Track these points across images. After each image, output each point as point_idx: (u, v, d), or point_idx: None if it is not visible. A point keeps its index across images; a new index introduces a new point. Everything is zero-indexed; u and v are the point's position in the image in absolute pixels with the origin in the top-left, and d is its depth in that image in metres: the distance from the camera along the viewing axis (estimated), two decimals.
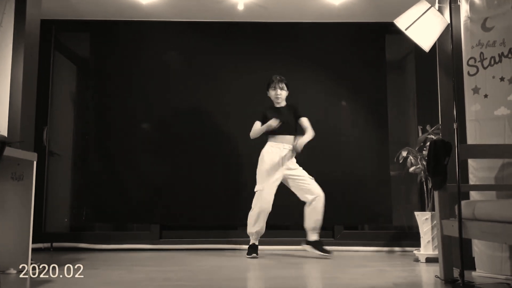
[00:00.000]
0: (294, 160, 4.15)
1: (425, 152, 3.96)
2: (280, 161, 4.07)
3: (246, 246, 4.60)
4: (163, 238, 4.66)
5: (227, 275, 3.19)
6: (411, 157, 4.10)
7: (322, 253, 4.02)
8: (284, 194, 4.64)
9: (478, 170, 3.24)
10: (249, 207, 4.67)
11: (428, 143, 3.81)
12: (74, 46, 5.11)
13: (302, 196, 4.09)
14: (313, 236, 4.08)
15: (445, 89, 3.60)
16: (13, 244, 3.10)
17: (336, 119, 4.83)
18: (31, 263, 3.16)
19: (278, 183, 4.09)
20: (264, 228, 4.11)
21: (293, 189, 4.14)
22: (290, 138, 4.13)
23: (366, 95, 4.83)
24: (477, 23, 3.32)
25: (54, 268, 3.21)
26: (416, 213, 3.99)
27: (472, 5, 3.37)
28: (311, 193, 4.04)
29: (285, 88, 4.19)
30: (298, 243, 4.62)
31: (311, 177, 4.11)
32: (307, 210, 4.07)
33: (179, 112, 4.80)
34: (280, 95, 4.16)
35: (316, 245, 4.06)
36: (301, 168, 4.14)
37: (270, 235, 4.72)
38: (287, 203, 4.64)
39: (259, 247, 4.45)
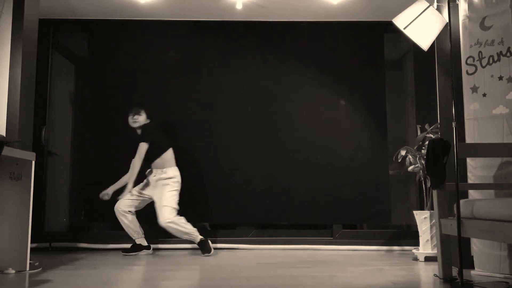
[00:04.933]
0: None
1: (423, 151, 3.96)
2: None
3: (245, 246, 4.62)
4: (162, 237, 4.65)
5: (225, 274, 3.19)
6: (410, 156, 4.10)
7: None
8: (280, 194, 4.66)
9: (476, 169, 3.25)
10: (248, 206, 4.69)
11: (426, 142, 3.81)
12: (72, 45, 5.09)
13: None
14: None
15: (444, 88, 3.60)
16: (12, 244, 3.10)
17: (334, 118, 4.83)
18: (30, 263, 3.15)
19: None
20: None
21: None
22: None
23: (365, 94, 4.83)
24: (476, 22, 3.33)
25: (52, 267, 3.21)
26: (415, 212, 3.99)
27: (470, 4, 3.37)
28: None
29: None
30: (295, 242, 4.64)
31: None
32: None
33: (177, 111, 4.79)
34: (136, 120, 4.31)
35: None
36: None
37: (267, 234, 4.73)
38: (283, 203, 4.66)
39: (258, 246, 4.48)
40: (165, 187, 4.18)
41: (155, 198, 4.21)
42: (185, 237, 4.19)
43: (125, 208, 4.21)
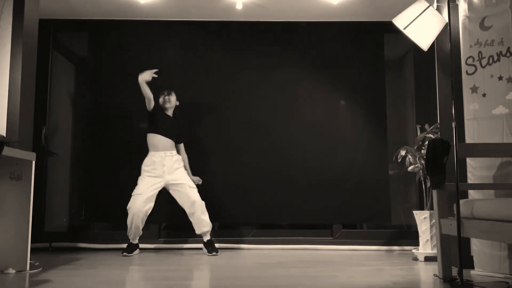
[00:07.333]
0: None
1: (423, 151, 3.96)
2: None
3: (245, 245, 4.62)
4: (162, 237, 4.66)
5: (226, 274, 3.19)
6: (410, 156, 4.11)
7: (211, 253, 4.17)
8: (280, 194, 4.66)
9: (476, 169, 3.25)
10: (248, 206, 4.69)
11: (426, 142, 3.81)
12: (72, 45, 5.10)
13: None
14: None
15: (444, 88, 3.61)
16: (12, 244, 3.10)
17: (334, 118, 4.83)
18: (30, 263, 3.15)
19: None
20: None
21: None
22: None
23: (365, 94, 4.83)
24: (475, 22, 3.33)
25: (53, 267, 3.21)
26: (414, 212, 4.00)
27: (470, 4, 3.37)
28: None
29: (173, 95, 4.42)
30: (295, 242, 4.64)
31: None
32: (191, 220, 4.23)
33: (176, 111, 4.79)
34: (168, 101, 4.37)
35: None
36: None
37: (267, 234, 4.74)
38: (283, 203, 4.66)
39: (258, 246, 4.46)
40: None
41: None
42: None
43: None
